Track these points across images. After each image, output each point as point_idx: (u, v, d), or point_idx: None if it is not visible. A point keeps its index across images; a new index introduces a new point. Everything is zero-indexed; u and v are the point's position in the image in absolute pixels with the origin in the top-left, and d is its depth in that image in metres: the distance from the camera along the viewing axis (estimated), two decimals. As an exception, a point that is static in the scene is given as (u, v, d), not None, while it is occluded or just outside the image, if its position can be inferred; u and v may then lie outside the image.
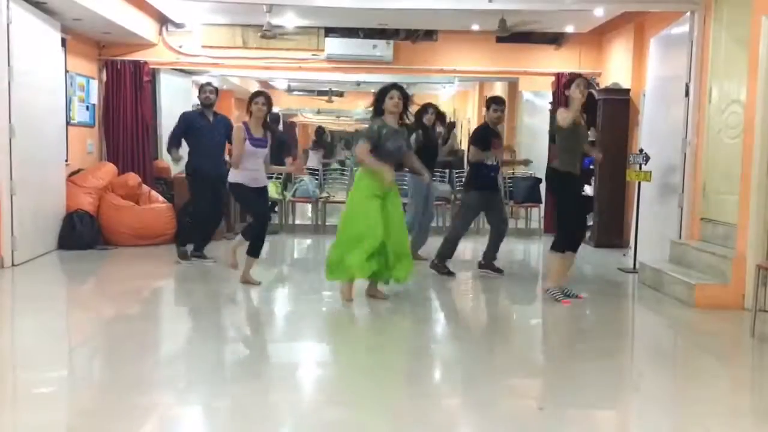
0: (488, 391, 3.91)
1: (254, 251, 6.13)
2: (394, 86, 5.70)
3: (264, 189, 6.28)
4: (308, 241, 9.50)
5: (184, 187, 7.87)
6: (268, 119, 6.24)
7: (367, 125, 6.35)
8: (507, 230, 7.05)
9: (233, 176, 6.07)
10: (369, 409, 3.57)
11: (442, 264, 6.82)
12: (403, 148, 5.73)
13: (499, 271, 6.88)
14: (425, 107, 7.56)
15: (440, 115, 7.93)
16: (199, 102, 7.59)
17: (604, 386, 4.01)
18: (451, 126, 12.35)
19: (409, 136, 5.95)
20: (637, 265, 7.13)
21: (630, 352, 5.06)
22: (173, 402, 3.62)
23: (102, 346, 4.70)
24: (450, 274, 6.78)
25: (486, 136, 6.78)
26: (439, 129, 8.05)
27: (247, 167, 6.04)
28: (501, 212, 6.99)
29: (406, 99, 5.70)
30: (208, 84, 7.62)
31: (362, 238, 5.44)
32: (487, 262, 6.88)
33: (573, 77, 6.32)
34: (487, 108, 6.90)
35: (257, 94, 6.29)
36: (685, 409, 3.73)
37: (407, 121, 5.85)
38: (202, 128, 7.25)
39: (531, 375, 4.29)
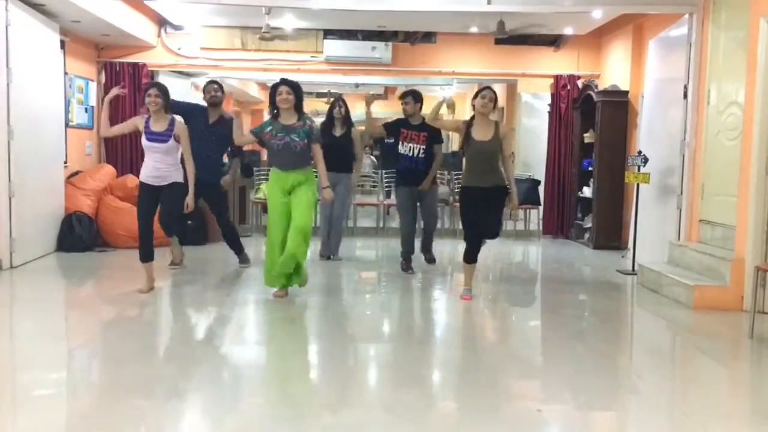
0: (486, 393, 3.91)
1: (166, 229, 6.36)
2: (282, 82, 5.66)
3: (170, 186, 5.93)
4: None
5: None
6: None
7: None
8: (433, 224, 7.20)
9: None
10: (366, 413, 3.57)
11: (405, 262, 7.13)
12: (294, 145, 5.58)
13: (430, 260, 7.26)
14: (335, 100, 7.49)
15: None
16: (206, 102, 7.07)
17: (603, 388, 4.01)
18: None
19: (317, 134, 5.77)
20: (636, 267, 7.13)
21: (629, 353, 5.05)
22: (173, 405, 3.61)
23: (101, 349, 4.70)
24: (408, 269, 7.08)
25: (396, 124, 7.01)
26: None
27: (147, 162, 5.88)
28: (427, 206, 7.12)
29: (298, 92, 5.63)
30: (213, 82, 7.19)
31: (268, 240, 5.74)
32: (422, 250, 7.27)
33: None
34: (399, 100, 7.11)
35: (149, 86, 5.99)
36: (683, 410, 3.73)
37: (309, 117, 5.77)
38: (195, 128, 6.49)
39: (529, 377, 4.29)
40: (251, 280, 6.71)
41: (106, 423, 3.32)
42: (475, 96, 5.77)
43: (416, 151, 6.83)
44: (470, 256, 5.92)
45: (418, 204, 7.04)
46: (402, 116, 7.10)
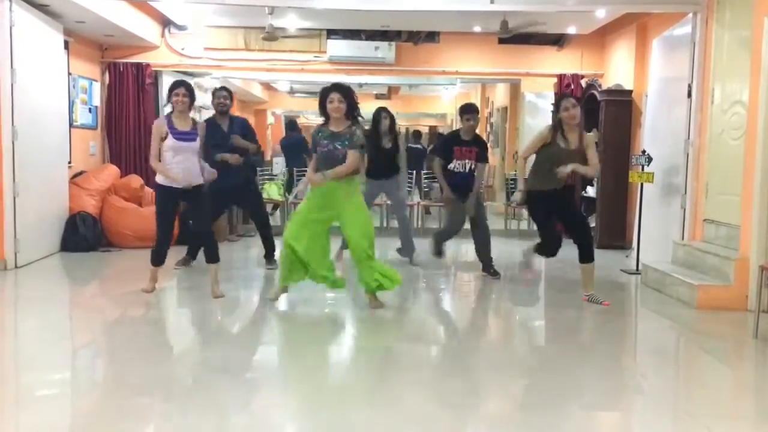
0: (491, 392, 3.91)
1: (209, 256, 5.85)
2: (334, 88, 5.30)
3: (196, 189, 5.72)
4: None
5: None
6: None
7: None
8: (486, 235, 6.94)
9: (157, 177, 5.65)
10: (368, 413, 3.57)
11: (437, 245, 7.21)
12: (336, 153, 5.26)
13: (494, 273, 6.94)
14: (379, 112, 7.26)
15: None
16: (213, 108, 7.09)
17: (607, 388, 4.00)
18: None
19: (359, 141, 5.33)
20: (640, 267, 7.12)
21: (633, 353, 5.05)
22: (178, 405, 3.62)
23: (105, 348, 4.71)
24: (440, 254, 7.26)
25: (447, 144, 6.84)
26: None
27: (173, 164, 5.58)
28: (475, 218, 6.89)
29: (350, 98, 5.27)
30: (223, 88, 7.17)
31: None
32: (484, 267, 7.01)
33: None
34: (460, 116, 6.88)
35: (177, 84, 5.74)
36: (688, 410, 3.72)
37: (359, 124, 5.38)
38: (215, 138, 6.63)
39: (533, 376, 4.28)
40: (256, 279, 6.71)
41: (109, 423, 3.32)
42: (557, 108, 5.72)
43: (468, 167, 6.71)
44: (587, 257, 6.07)
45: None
46: (446, 131, 7.07)
